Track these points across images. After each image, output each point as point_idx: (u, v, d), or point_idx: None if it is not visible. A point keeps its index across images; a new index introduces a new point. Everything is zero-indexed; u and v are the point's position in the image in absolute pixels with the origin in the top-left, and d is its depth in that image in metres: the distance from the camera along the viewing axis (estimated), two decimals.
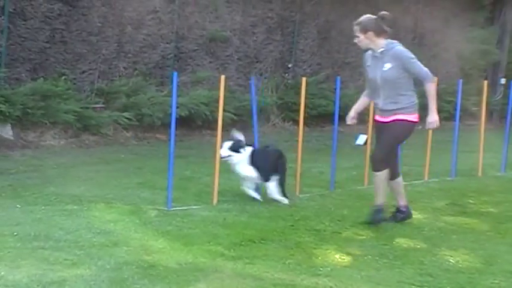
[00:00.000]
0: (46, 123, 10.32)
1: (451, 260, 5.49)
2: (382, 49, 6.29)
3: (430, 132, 8.92)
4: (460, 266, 5.37)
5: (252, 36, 13.60)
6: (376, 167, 6.39)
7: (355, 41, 6.39)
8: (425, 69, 6.29)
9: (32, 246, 5.18)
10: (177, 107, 6.87)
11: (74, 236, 5.51)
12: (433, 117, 6.31)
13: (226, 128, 8.51)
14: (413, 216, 6.96)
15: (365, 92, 6.71)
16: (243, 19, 13.35)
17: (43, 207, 6.44)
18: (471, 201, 7.87)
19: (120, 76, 11.60)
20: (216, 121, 7.14)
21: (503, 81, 17.70)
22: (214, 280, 4.73)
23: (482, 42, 17.62)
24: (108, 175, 8.38)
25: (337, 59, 15.00)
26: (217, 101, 6.97)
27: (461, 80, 9.60)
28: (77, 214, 6.24)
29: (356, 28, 6.32)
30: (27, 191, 7.20)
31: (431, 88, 6.28)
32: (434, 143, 9.14)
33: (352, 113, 6.68)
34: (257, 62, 13.76)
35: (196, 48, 12.66)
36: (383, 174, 6.38)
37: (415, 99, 6.35)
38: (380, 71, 6.31)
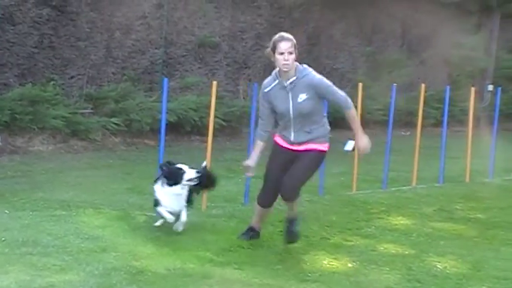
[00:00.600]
0: (34, 129, 10.29)
1: (438, 266, 5.51)
2: (293, 78, 5.56)
3: (418, 138, 8.96)
4: (448, 271, 5.40)
5: (241, 42, 13.62)
6: (292, 198, 5.69)
7: (287, 58, 5.49)
8: (344, 95, 5.64)
9: (20, 252, 5.16)
10: (166, 113, 6.84)
11: (62, 242, 5.49)
12: (362, 142, 5.67)
13: (216, 134, 8.51)
14: (401, 221, 7.00)
15: (258, 134, 5.85)
16: (232, 25, 13.36)
17: (31, 213, 6.41)
18: (459, 207, 7.90)
19: (108, 81, 11.59)
20: (204, 127, 7.12)
21: (490, 88, 17.77)
22: (203, 286, 4.73)
23: (470, 49, 17.70)
24: (96, 180, 8.37)
25: (325, 65, 15.00)
26: (206, 107, 6.95)
27: (449, 87, 9.66)
28: (65, 219, 6.22)
29: (292, 44, 5.53)
30: (15, 196, 7.17)
31: (352, 114, 5.66)
32: (422, 149, 9.17)
33: (253, 163, 5.77)
34: (246, 67, 13.77)
35: (185, 53, 12.67)
36: (299, 199, 5.89)
37: (327, 128, 5.79)
38: (294, 103, 5.57)
